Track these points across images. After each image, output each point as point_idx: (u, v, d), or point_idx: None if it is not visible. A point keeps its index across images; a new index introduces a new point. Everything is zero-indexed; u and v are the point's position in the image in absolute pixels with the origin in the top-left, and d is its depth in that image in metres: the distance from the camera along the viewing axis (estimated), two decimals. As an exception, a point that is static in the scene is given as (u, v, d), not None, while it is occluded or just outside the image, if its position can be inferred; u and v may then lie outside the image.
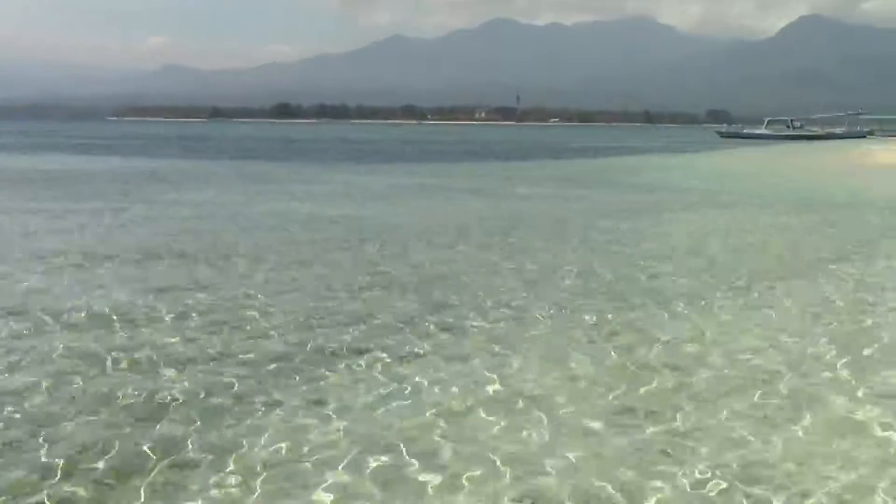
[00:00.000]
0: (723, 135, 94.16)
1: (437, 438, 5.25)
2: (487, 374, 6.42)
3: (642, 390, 5.96)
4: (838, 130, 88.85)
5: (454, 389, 6.13)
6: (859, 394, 5.88)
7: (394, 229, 14.72)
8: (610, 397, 5.93)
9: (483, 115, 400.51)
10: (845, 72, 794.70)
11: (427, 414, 5.68)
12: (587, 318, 8.27)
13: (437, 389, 6.19)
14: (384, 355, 6.77)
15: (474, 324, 8.08)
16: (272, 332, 7.75)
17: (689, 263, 10.95)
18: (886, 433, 5.20)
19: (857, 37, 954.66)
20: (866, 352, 6.74)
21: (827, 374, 6.24)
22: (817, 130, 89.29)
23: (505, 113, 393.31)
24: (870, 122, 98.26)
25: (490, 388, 6.20)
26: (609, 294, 9.20)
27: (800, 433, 5.23)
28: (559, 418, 5.55)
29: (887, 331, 7.63)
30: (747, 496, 4.32)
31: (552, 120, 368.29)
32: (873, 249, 11.65)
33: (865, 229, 14.10)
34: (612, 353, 6.93)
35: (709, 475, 4.56)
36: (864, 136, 79.22)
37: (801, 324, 7.92)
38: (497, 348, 7.24)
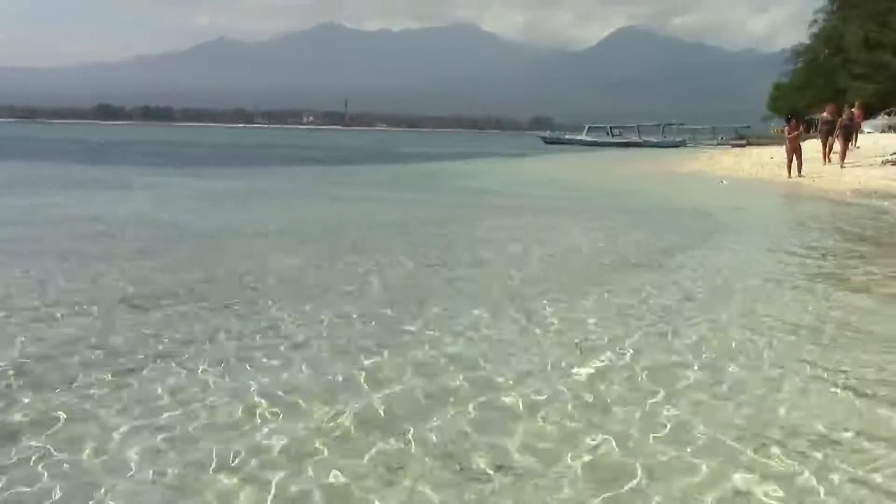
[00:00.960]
0: (547, 141, 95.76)
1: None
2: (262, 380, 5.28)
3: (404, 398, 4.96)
4: (654, 139, 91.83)
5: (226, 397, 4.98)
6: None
7: (199, 235, 13.28)
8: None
9: (311, 119, 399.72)
10: (659, 81, 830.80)
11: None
12: (373, 323, 7.24)
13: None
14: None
15: (256, 330, 6.90)
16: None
17: (515, 266, 10.29)
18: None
19: (670, 49, 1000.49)
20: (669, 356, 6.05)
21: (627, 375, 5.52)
22: (635, 138, 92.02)
23: (333, 117, 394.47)
24: (683, 132, 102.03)
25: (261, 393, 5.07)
26: (408, 298, 8.27)
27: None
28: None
29: (691, 334, 7.03)
30: None
31: (380, 125, 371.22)
32: (686, 252, 11.48)
33: (680, 233, 13.98)
34: (394, 357, 6.00)
35: None
36: (678, 146, 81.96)
37: (612, 329, 7.25)
38: (282, 348, 6.15)
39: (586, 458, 4.21)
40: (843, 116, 28.77)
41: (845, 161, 27.37)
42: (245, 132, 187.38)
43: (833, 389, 5.26)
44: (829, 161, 27.85)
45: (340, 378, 5.51)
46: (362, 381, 5.46)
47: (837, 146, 28.35)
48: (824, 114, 29.23)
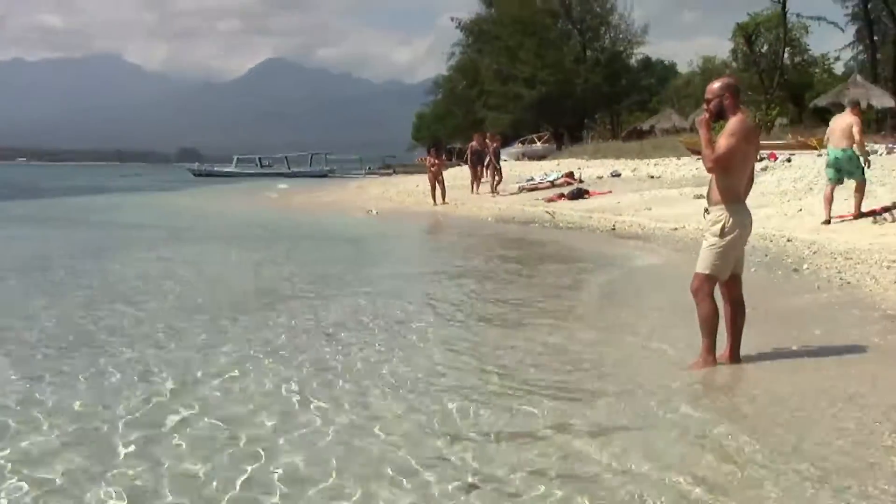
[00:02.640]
0: (195, 173, 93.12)
1: None
2: None
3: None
4: (304, 169, 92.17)
5: None
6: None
7: None
8: None
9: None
10: (307, 111, 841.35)
11: None
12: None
13: None
14: None
15: None
16: None
17: (154, 301, 9.65)
18: None
19: (318, 80, 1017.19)
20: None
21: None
22: (284, 168, 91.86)
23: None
24: (332, 161, 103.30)
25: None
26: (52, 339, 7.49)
27: None
28: None
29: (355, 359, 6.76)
30: None
31: (20, 159, 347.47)
32: (334, 281, 11.38)
33: (331, 262, 13.86)
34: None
35: None
36: (327, 175, 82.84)
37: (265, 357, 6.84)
38: None
39: None
40: (474, 143, 29.90)
41: (488, 187, 28.32)
42: None
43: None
44: (477, 189, 28.69)
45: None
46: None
47: (487, 175, 29.33)
48: (472, 143, 30.22)
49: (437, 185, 27.07)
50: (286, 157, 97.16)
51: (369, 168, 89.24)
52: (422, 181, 31.35)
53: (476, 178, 29.26)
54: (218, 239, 18.03)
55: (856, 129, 14.05)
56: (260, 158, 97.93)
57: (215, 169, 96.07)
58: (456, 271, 12.55)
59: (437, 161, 27.58)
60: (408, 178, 41.30)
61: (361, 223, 23.12)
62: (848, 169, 14.28)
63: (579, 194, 24.65)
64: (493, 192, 27.92)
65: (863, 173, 14.34)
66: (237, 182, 67.50)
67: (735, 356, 6.35)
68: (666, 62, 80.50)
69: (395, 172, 66.60)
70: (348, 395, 5.85)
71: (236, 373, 6.43)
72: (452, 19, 74.80)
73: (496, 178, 28.41)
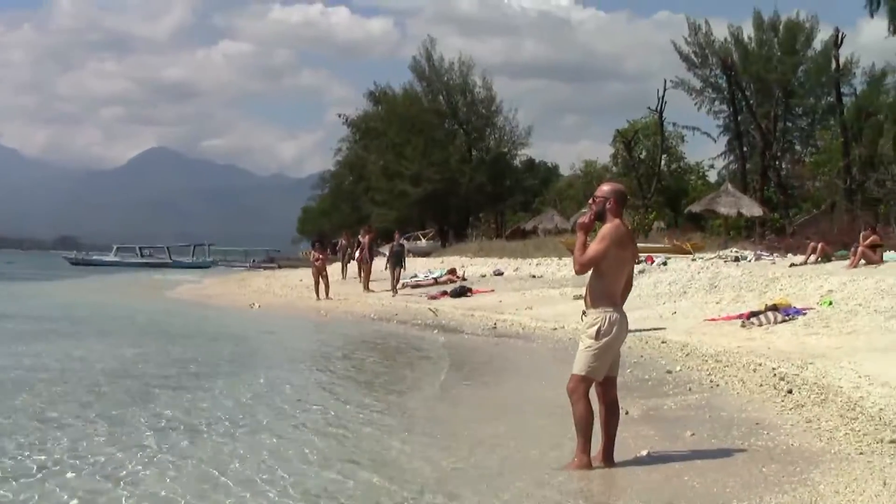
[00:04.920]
0: (73, 262, 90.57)
1: None
2: None
3: None
4: (186, 259, 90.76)
5: None
6: None
7: None
8: None
9: None
10: (190, 202, 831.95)
11: None
12: None
13: None
14: None
15: None
16: None
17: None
18: None
19: (202, 170, 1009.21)
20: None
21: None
22: (165, 258, 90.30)
23: None
24: (215, 253, 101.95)
25: None
26: None
27: None
28: None
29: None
30: None
31: None
32: (211, 378, 11.24)
33: (209, 359, 13.66)
34: None
35: None
36: (209, 266, 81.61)
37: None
38: None
39: None
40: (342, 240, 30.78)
41: (367, 283, 28.36)
42: None
43: None
44: (366, 285, 28.60)
45: None
46: None
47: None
48: (343, 240, 30.61)
49: (320, 279, 26.98)
50: (168, 248, 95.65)
51: (253, 261, 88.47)
52: (306, 275, 31.22)
53: (362, 272, 29.29)
54: (82, 333, 17.49)
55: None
56: (140, 248, 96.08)
57: (94, 257, 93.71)
58: (314, 377, 12.44)
59: (321, 256, 27.55)
60: (292, 272, 40.99)
61: (241, 318, 22.84)
62: None
63: (462, 292, 24.89)
64: (365, 288, 28.14)
65: None
66: (116, 272, 65.92)
67: (609, 457, 6.48)
68: (549, 164, 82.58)
69: (279, 266, 66.08)
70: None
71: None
72: (339, 115, 75.46)
73: (366, 274, 28.63)
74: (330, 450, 7.40)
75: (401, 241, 30.25)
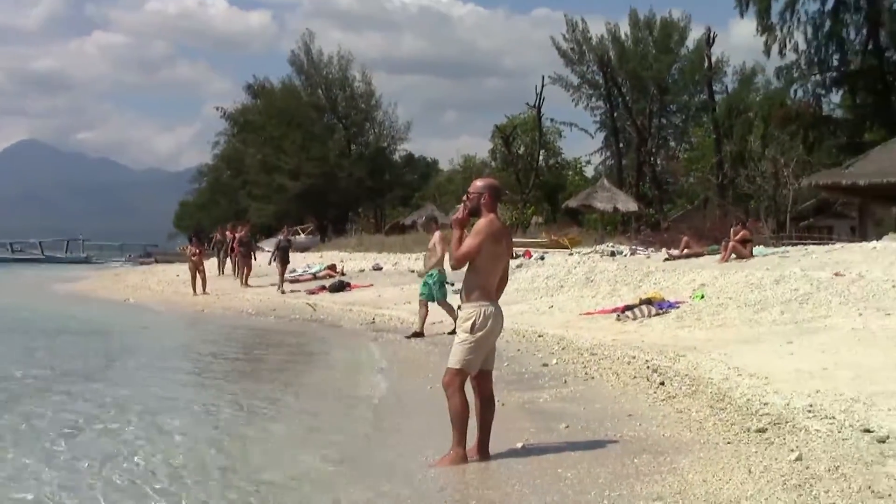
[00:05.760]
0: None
1: None
2: None
3: None
4: (60, 255, 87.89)
5: None
6: None
7: None
8: None
9: None
10: (63, 196, 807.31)
11: None
12: None
13: None
14: None
15: None
16: None
17: None
18: None
19: (75, 164, 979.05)
20: None
21: None
22: (38, 254, 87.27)
23: None
24: (90, 248, 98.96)
25: None
26: None
27: None
28: None
29: None
30: None
31: None
32: (85, 376, 10.97)
33: (81, 355, 13.32)
34: None
35: None
36: (85, 262, 79.22)
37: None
38: None
39: None
40: (225, 235, 31.06)
41: (247, 279, 27.92)
42: None
43: None
44: (244, 280, 28.14)
45: None
46: None
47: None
48: (217, 235, 30.41)
49: (197, 274, 26.46)
50: (40, 243, 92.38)
51: (129, 256, 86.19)
52: (182, 270, 30.57)
53: (240, 268, 28.88)
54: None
55: (439, 247, 14.26)
56: (11, 243, 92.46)
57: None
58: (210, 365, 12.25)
59: (198, 250, 27.00)
60: (169, 267, 40.12)
61: (114, 313, 22.28)
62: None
63: (341, 287, 24.73)
64: (243, 283, 27.68)
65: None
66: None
67: (484, 451, 6.47)
68: (429, 159, 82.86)
69: (156, 261, 64.54)
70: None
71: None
72: (217, 109, 74.14)
73: (245, 269, 28.14)
74: (194, 446, 7.32)
75: (288, 237, 29.88)
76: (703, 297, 14.75)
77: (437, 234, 14.71)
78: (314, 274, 29.09)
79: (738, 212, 33.88)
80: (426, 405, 8.46)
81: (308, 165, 62.63)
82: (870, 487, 5.16)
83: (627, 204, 42.16)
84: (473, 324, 6.29)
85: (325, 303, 21.82)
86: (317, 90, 68.55)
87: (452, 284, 13.99)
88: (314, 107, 67.77)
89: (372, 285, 24.99)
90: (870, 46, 45.03)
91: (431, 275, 14.55)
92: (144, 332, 17.75)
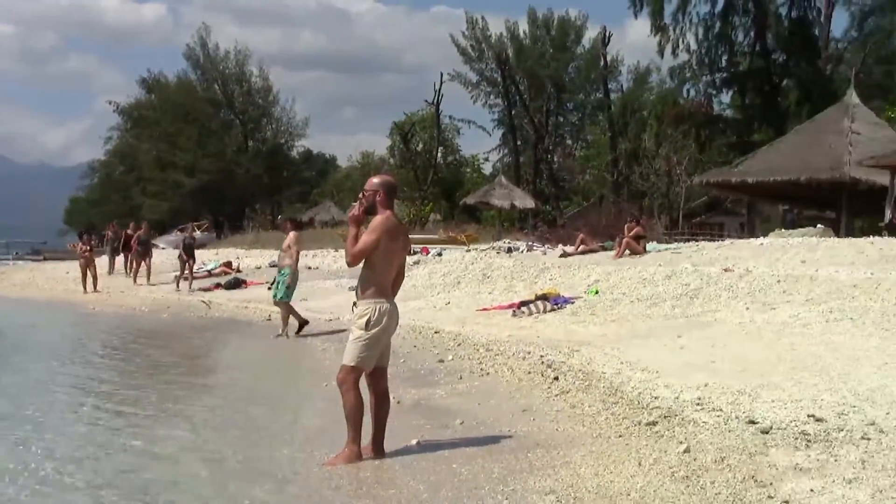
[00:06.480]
0: None
1: None
2: None
3: None
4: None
5: None
6: None
7: None
8: None
9: None
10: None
11: None
12: None
13: None
14: None
15: None
16: None
17: None
18: None
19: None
20: None
21: None
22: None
23: None
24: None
25: None
26: None
27: None
28: None
29: None
30: None
31: None
32: None
33: None
34: None
35: None
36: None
37: None
38: None
39: None
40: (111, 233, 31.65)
41: (149, 277, 27.31)
42: None
43: None
44: (134, 277, 27.52)
45: None
46: None
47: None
48: (109, 232, 30.24)
49: (88, 272, 25.79)
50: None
51: (16, 253, 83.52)
52: (73, 268, 29.73)
53: (132, 265, 28.31)
54: None
55: (293, 248, 14.59)
56: None
57: None
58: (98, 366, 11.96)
59: (88, 247, 26.30)
60: (59, 265, 38.93)
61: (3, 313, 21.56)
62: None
63: (236, 284, 24.40)
64: (135, 280, 27.11)
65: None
66: None
67: (379, 447, 6.45)
68: (327, 156, 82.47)
69: (45, 259, 62.66)
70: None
71: None
72: (110, 103, 72.41)
73: (144, 267, 27.53)
74: (81, 447, 7.19)
75: (193, 234, 29.36)
76: (597, 292, 14.96)
77: (291, 235, 14.82)
78: (209, 271, 28.61)
79: (632, 209, 34.52)
80: (320, 402, 8.41)
81: (204, 161, 61.75)
82: (753, 477, 5.30)
83: (524, 201, 42.55)
84: (368, 320, 6.27)
85: (220, 300, 21.49)
86: (213, 85, 67.61)
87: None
88: (210, 102, 66.80)
89: (268, 282, 24.68)
90: (757, 48, 46.45)
91: (283, 272, 14.63)
92: (31, 331, 17.25)
